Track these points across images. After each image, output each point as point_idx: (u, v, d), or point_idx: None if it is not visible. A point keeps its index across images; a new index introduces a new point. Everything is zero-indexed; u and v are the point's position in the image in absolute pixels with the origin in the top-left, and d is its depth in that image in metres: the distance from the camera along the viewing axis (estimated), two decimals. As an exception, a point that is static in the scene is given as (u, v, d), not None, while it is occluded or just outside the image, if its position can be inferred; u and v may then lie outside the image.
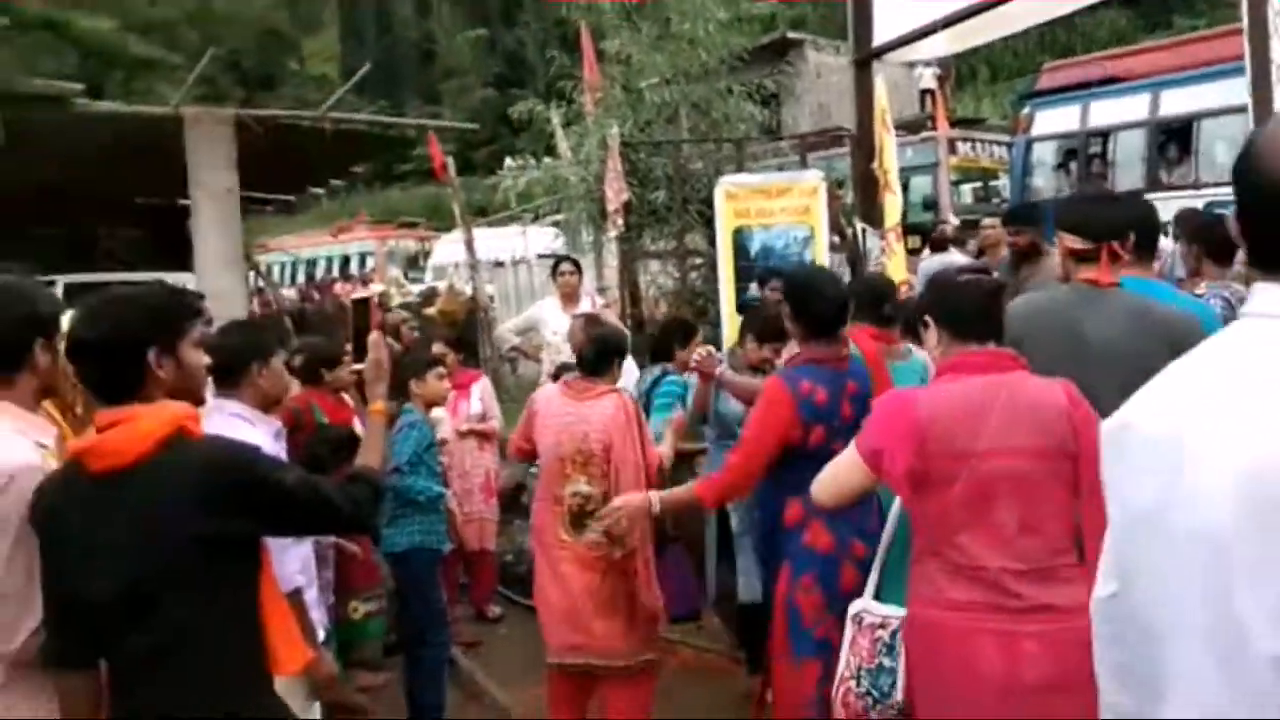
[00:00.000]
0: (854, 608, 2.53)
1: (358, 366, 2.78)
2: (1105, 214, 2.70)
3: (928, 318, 2.38)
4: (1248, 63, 2.95)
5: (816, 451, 2.76)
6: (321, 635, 2.87)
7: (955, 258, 9.67)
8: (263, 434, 2.69)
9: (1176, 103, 11.04)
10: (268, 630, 2.05)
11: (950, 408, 2.15)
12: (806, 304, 2.98)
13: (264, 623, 2.02)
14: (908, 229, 10.09)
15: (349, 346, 3.46)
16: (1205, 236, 3.85)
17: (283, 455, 2.78)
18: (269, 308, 10.40)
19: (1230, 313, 3.59)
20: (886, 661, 2.36)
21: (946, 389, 2.21)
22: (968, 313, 2.27)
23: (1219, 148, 10.28)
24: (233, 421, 2.65)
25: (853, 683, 2.41)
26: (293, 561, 2.74)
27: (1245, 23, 3.01)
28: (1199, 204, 10.16)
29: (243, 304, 6.70)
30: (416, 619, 4.05)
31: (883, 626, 2.41)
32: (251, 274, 9.66)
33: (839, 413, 2.87)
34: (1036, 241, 4.66)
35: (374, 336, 2.56)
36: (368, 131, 8.30)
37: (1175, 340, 2.21)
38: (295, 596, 2.65)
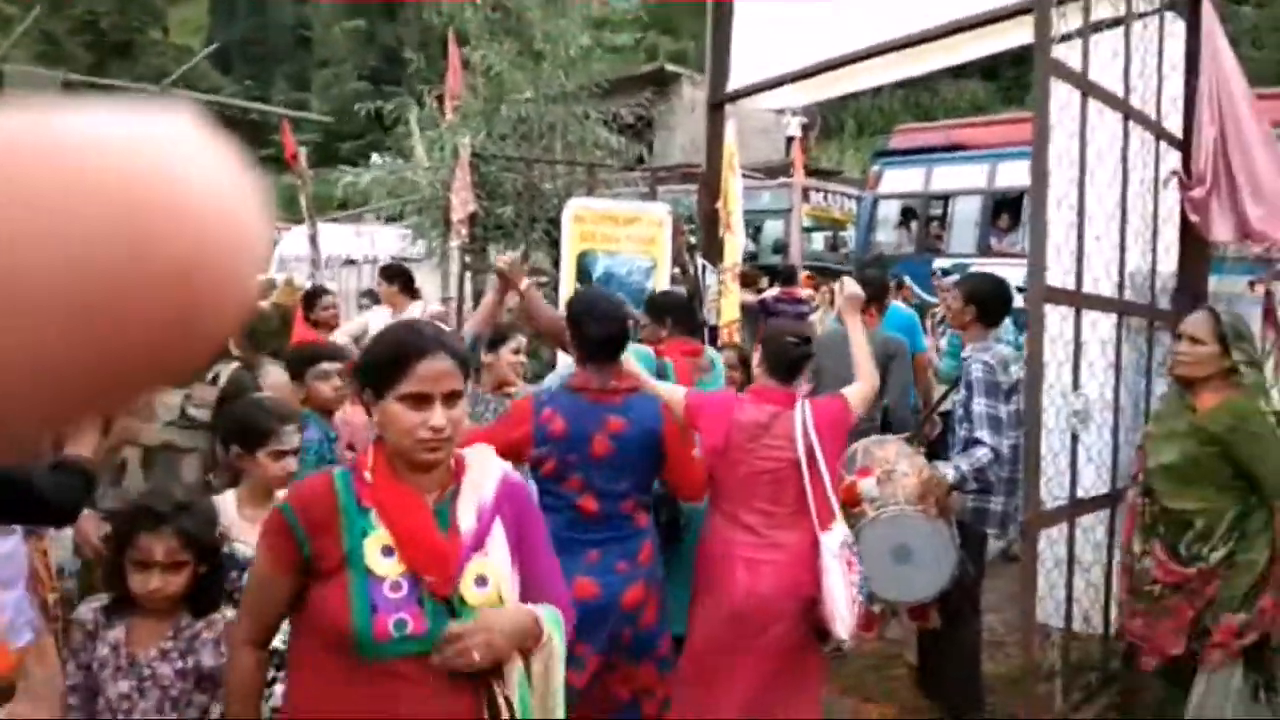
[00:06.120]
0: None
1: None
2: (871, 279, 4.35)
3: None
4: (1033, 150, 3.15)
5: (545, 482, 2.78)
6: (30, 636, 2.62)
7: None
8: None
9: (1011, 175, 11.72)
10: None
11: (749, 419, 3.11)
12: (580, 326, 2.90)
13: None
14: (760, 270, 10.38)
15: None
16: (981, 298, 4.03)
17: None
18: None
19: (990, 375, 3.74)
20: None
21: (752, 406, 3.17)
22: (778, 363, 3.20)
23: (1044, 222, 10.97)
24: None
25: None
26: None
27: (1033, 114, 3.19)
28: (1021, 272, 10.85)
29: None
30: None
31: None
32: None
33: (586, 447, 2.77)
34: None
35: None
36: (219, 112, 7.94)
37: (888, 353, 4.41)
38: None
